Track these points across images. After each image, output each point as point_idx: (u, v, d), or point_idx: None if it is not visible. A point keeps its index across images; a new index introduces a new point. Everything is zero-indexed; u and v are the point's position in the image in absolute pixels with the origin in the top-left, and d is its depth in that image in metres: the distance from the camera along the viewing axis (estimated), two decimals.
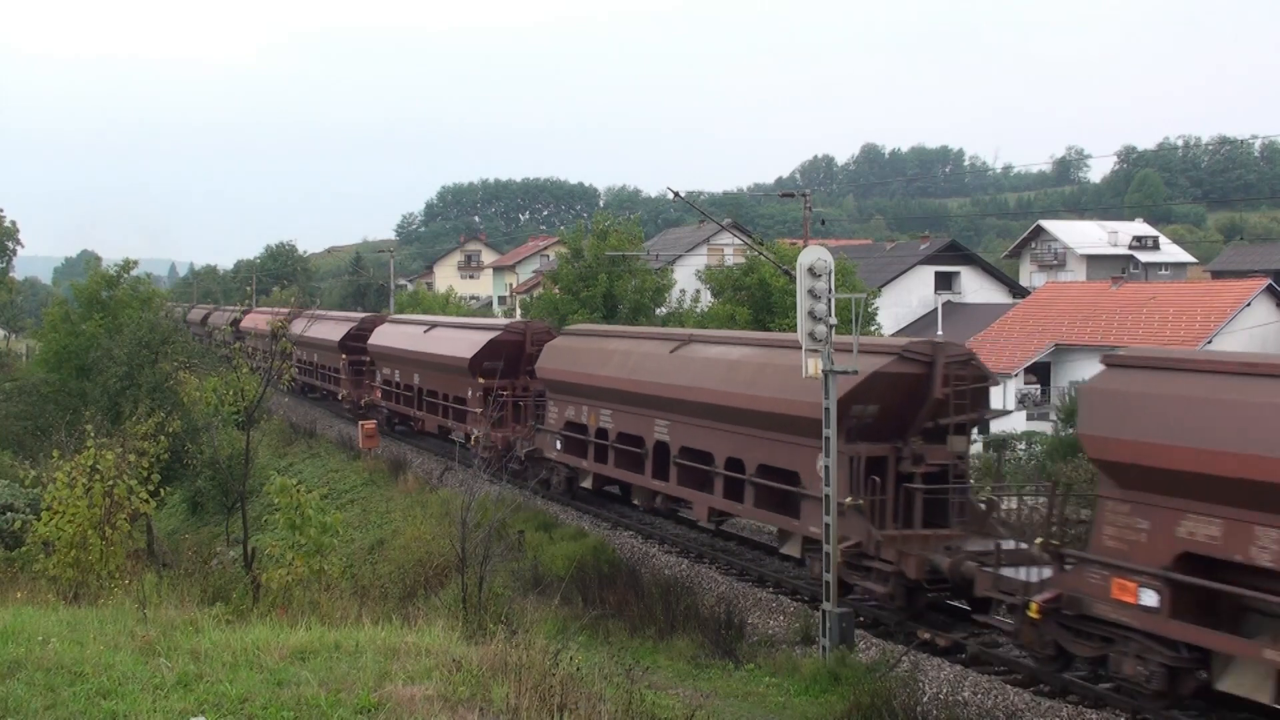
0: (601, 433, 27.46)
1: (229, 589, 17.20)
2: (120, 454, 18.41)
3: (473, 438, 34.12)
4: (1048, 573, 15.69)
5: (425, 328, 41.30)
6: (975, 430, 21.23)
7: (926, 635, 17.91)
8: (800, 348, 19.36)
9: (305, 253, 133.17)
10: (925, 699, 15.15)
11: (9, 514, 23.75)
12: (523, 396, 32.93)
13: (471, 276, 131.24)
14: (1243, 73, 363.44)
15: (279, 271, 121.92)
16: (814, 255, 17.67)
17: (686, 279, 60.48)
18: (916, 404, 18.95)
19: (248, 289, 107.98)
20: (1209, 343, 46.46)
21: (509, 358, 33.66)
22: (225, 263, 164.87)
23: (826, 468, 17.96)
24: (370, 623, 12.95)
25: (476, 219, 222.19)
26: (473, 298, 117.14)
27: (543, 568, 23.86)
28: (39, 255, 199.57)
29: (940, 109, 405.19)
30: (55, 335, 47.33)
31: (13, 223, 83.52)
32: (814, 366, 17.64)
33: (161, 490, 20.61)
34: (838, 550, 18.03)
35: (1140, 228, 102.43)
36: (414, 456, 40.29)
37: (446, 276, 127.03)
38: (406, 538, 26.75)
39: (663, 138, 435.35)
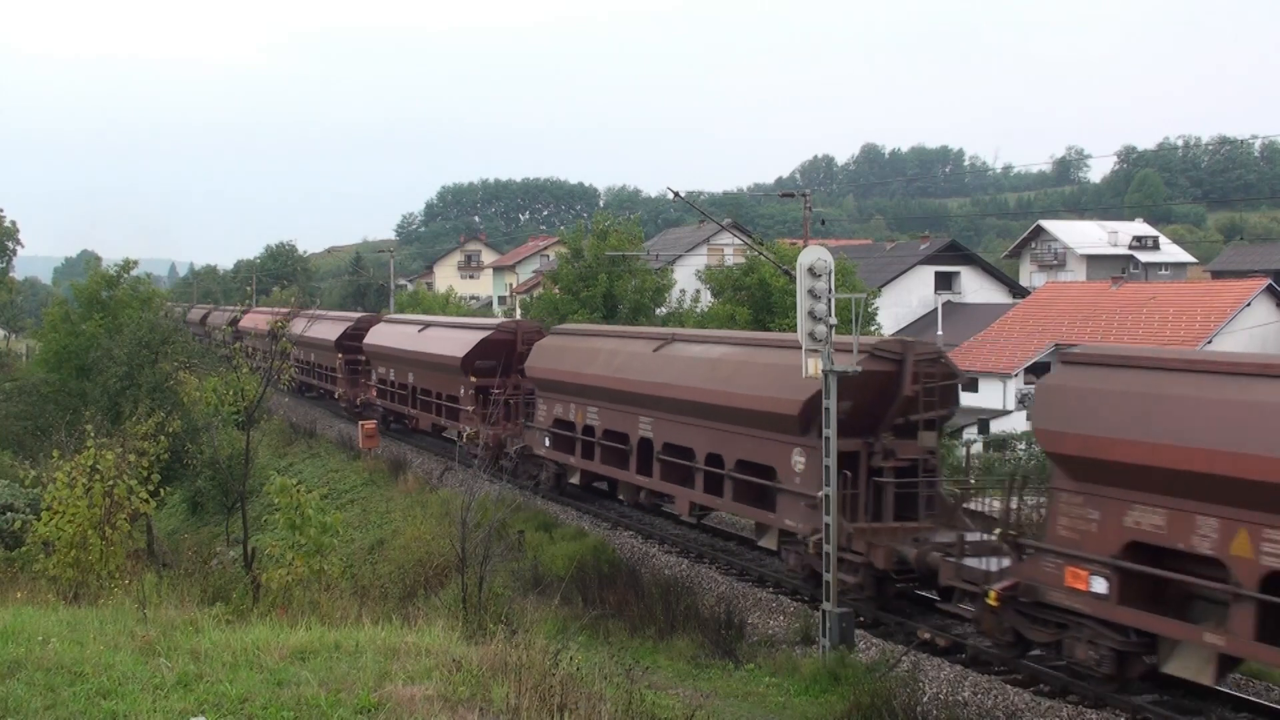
0: (588, 430, 27.96)
1: (229, 589, 17.20)
2: (120, 454, 18.39)
3: (465, 435, 34.71)
4: (1007, 562, 16.22)
5: (419, 327, 41.85)
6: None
7: (926, 635, 17.93)
8: (776, 346, 20.36)
9: (305, 253, 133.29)
10: (925, 699, 15.15)
11: (9, 514, 23.75)
12: (514, 395, 33.39)
13: (471, 276, 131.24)
14: (1243, 73, 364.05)
15: (279, 271, 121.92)
16: (814, 255, 17.67)
17: (686, 279, 60.48)
18: (887, 401, 19.43)
19: (248, 289, 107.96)
20: (1209, 343, 46.48)
21: (501, 357, 34.24)
22: (225, 263, 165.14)
23: (827, 467, 18.03)
24: (370, 623, 12.94)
25: (476, 219, 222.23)
26: (473, 298, 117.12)
27: (543, 568, 23.86)
28: (39, 255, 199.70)
29: (940, 109, 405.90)
30: (55, 335, 47.31)
31: (13, 223, 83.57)
32: (814, 366, 17.65)
33: (161, 490, 20.58)
34: (836, 545, 18.07)
35: (1140, 228, 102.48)
36: (414, 456, 40.31)
37: (446, 276, 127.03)
38: (406, 538, 26.75)
39: (663, 138, 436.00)
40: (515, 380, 33.43)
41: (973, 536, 17.65)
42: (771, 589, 22.01)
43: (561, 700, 9.47)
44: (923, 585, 19.43)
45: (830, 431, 17.94)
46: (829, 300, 17.46)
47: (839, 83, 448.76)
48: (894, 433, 19.57)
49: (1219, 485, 12.89)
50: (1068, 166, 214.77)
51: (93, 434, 18.62)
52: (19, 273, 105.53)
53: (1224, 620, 13.26)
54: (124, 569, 17.77)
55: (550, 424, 29.80)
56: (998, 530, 16.55)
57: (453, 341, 36.65)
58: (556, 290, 51.35)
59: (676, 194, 27.34)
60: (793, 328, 22.08)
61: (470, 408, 34.81)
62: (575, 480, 29.52)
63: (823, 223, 53.42)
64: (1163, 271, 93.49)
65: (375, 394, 45.43)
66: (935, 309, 64.38)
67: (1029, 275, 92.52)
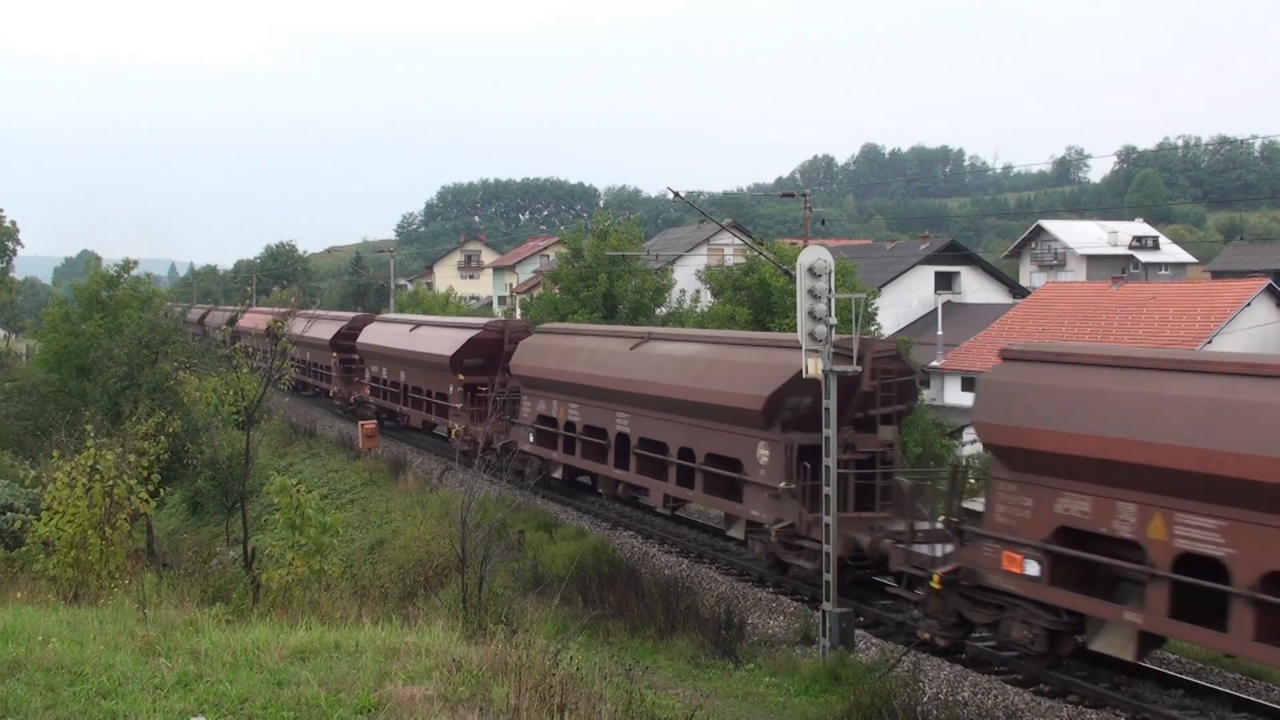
0: (570, 425, 28.94)
1: (229, 589, 17.20)
2: (120, 454, 18.37)
3: (453, 432, 35.76)
4: (951, 548, 17.09)
5: (411, 327, 42.87)
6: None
7: (926, 635, 17.95)
8: (743, 345, 21.88)
9: (305, 253, 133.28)
10: (925, 699, 15.16)
11: (9, 514, 23.73)
12: (502, 392, 34.00)
13: (471, 276, 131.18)
14: (1243, 73, 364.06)
15: (279, 271, 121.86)
16: (814, 255, 17.71)
17: (686, 279, 60.43)
18: (847, 396, 19.92)
19: (248, 289, 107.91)
20: (1209, 343, 46.41)
21: (488, 355, 35.24)
22: (225, 263, 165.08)
23: (827, 467, 18.11)
24: (370, 623, 12.93)
25: (476, 219, 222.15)
26: (473, 298, 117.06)
27: (543, 568, 23.86)
28: (39, 255, 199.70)
29: (940, 109, 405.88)
30: (55, 335, 47.27)
31: (13, 223, 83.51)
32: (814, 366, 17.70)
33: (161, 490, 20.57)
34: (835, 546, 18.08)
35: (1140, 228, 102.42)
36: (414, 456, 40.33)
37: (446, 276, 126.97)
38: (406, 538, 26.75)
39: (663, 138, 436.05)
40: (503, 378, 34.12)
41: (922, 525, 18.45)
42: (771, 589, 22.03)
43: (561, 700, 9.47)
44: (878, 571, 20.26)
45: (830, 431, 18.00)
46: (829, 300, 17.49)
47: (839, 83, 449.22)
48: (854, 427, 20.25)
49: (1136, 473, 13.77)
50: (1068, 166, 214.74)
51: (93, 434, 18.60)
52: (19, 273, 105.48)
53: (1142, 599, 14.06)
54: (124, 569, 17.76)
55: (534, 420, 30.68)
56: (941, 518, 17.45)
57: (442, 340, 37.59)
58: (556, 290, 51.32)
59: (676, 194, 27.42)
60: (792, 327, 22.27)
61: (459, 405, 35.72)
62: (558, 475, 30.21)
63: (823, 223, 53.40)
64: (1163, 271, 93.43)
65: (369, 392, 46.39)
66: (935, 309, 64.29)
67: (1029, 275, 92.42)
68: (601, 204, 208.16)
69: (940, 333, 56.94)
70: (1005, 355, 16.93)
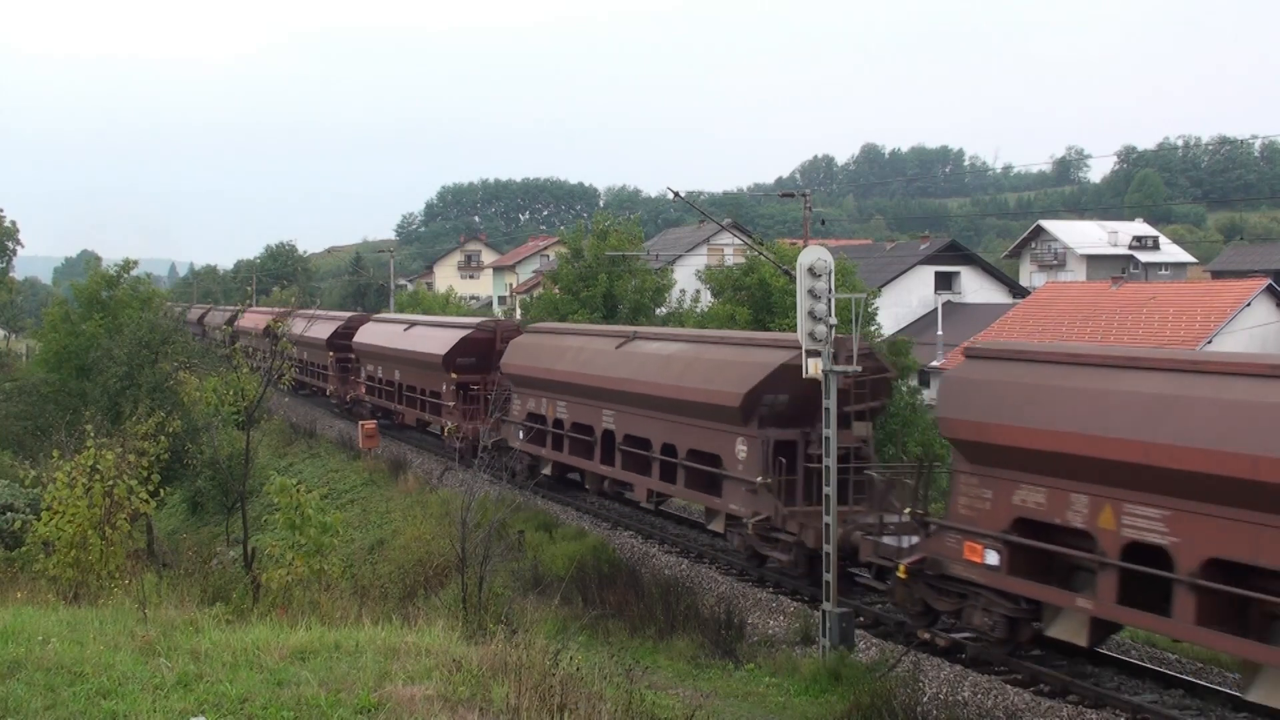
0: (558, 423, 29.56)
1: (229, 589, 17.20)
2: (120, 454, 18.36)
3: (446, 430, 36.44)
4: (917, 539, 17.67)
5: (405, 326, 43.51)
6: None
7: (926, 635, 17.96)
8: (722, 343, 22.78)
9: (305, 253, 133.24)
10: (925, 699, 15.17)
11: (9, 514, 23.71)
12: (494, 391, 34.37)
13: (471, 276, 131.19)
14: (1243, 73, 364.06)
15: (279, 271, 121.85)
16: (814, 255, 17.72)
17: (686, 279, 60.43)
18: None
19: (248, 289, 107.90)
20: (1209, 343, 46.41)
21: (481, 354, 35.88)
22: (225, 263, 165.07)
23: (826, 467, 18.12)
24: (370, 623, 12.93)
25: (476, 219, 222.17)
26: (473, 298, 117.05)
27: (543, 568, 23.86)
28: (39, 255, 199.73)
29: (940, 109, 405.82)
30: (55, 335, 47.25)
31: (13, 223, 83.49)
32: (814, 367, 17.73)
33: (161, 490, 20.55)
34: (836, 548, 18.09)
35: (1140, 228, 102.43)
36: (414, 456, 40.34)
37: (446, 276, 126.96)
38: (406, 538, 26.76)
39: (663, 138, 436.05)
40: (495, 377, 34.53)
41: (891, 518, 18.92)
42: (771, 589, 22.05)
43: (561, 700, 9.46)
44: (850, 563, 20.49)
45: (830, 431, 18.00)
46: (829, 300, 17.50)
47: (839, 83, 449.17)
48: None
49: (1088, 465, 14.37)
50: (1068, 166, 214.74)
51: (93, 434, 18.58)
52: (19, 273, 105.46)
53: (1094, 587, 14.60)
54: (124, 569, 17.74)
55: (524, 418, 31.19)
56: (907, 510, 18.00)
57: (435, 340, 38.21)
58: (556, 290, 51.34)
59: (676, 194, 27.40)
60: (792, 327, 22.42)
61: (452, 403, 36.35)
62: (548, 471, 30.61)
63: (823, 223, 53.40)
64: (1163, 271, 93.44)
65: (364, 391, 46.98)
66: (935, 309, 64.31)
67: (1029, 275, 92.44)
68: (601, 204, 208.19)
69: (940, 332, 56.95)
70: (968, 353, 17.60)
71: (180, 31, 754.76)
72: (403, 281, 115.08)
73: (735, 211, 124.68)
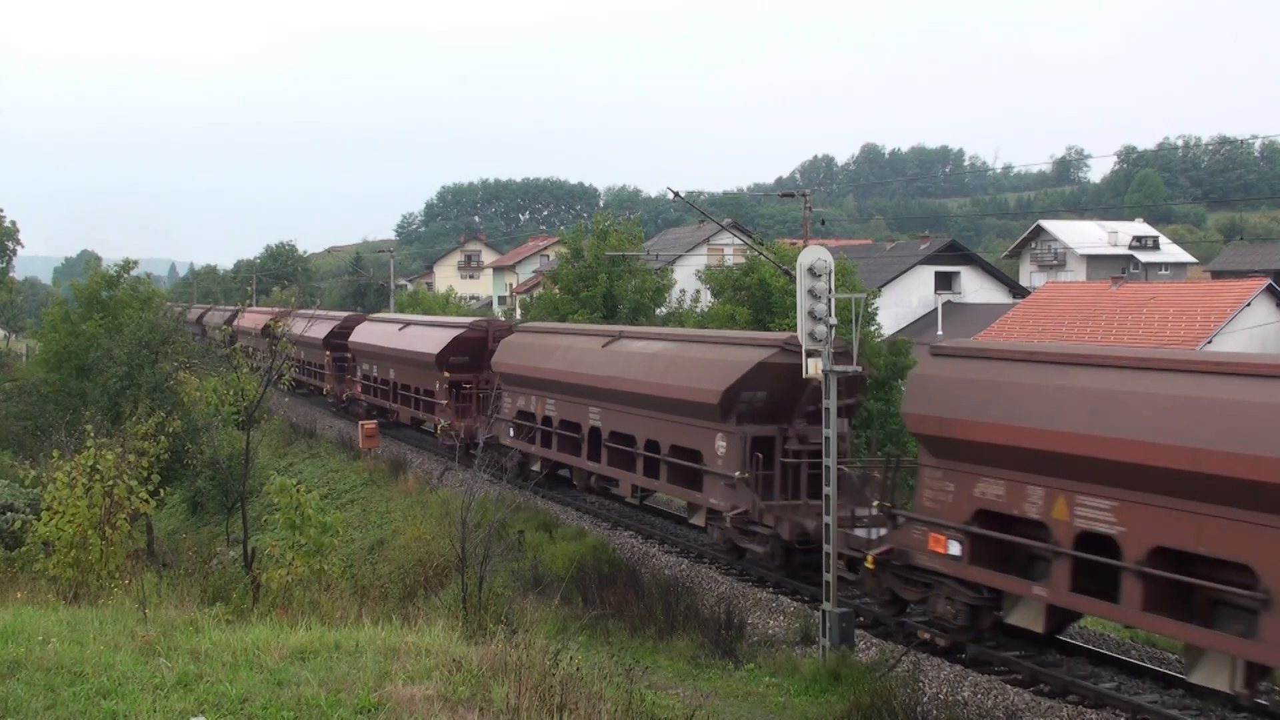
0: (547, 420, 30.07)
1: (229, 589, 17.20)
2: (120, 454, 18.36)
3: (439, 428, 37.11)
4: (885, 531, 18.37)
5: (400, 326, 44.04)
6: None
7: (926, 635, 17.97)
8: (704, 342, 23.52)
9: (305, 253, 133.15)
10: (925, 699, 15.17)
11: (9, 514, 23.71)
12: (486, 389, 35.03)
13: (471, 276, 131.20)
14: (1243, 73, 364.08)
15: (279, 271, 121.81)
16: (814, 255, 17.73)
17: (686, 279, 60.40)
18: (799, 390, 21.19)
19: (248, 289, 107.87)
20: (1209, 343, 46.40)
21: (473, 353, 36.42)
22: (225, 263, 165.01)
23: (826, 467, 18.14)
24: (370, 623, 12.93)
25: (476, 219, 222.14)
26: (473, 298, 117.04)
27: (543, 568, 23.86)
28: (39, 255, 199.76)
29: (940, 109, 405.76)
30: (55, 335, 47.23)
31: (13, 223, 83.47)
32: (814, 367, 17.75)
33: (161, 490, 20.55)
34: (836, 549, 18.10)
35: (1140, 228, 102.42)
36: (414, 456, 40.36)
37: (446, 276, 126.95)
38: (406, 538, 26.77)
39: (663, 138, 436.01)
40: (487, 375, 34.97)
41: (863, 511, 19.43)
42: (771, 589, 22.05)
43: (561, 700, 9.47)
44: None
45: (830, 431, 18.00)
46: (829, 300, 17.51)
47: (839, 83, 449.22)
48: (806, 419, 21.48)
49: (1043, 459, 14.95)
50: (1068, 166, 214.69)
51: (93, 434, 18.58)
52: (19, 273, 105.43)
53: (1049, 576, 15.16)
54: (124, 569, 17.75)
55: (514, 415, 31.77)
56: (875, 503, 18.73)
57: (428, 339, 38.82)
58: (556, 290, 51.30)
59: (676, 194, 27.42)
60: (792, 327, 22.50)
61: (445, 402, 36.95)
62: (537, 468, 30.99)
63: (823, 223, 53.39)
64: (1163, 271, 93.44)
65: (360, 390, 47.45)
66: (935, 309, 64.34)
67: (1029, 275, 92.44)
68: (601, 204, 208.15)
69: (940, 333, 56.96)
70: (933, 352, 18.26)
71: (180, 31, 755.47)
72: (403, 281, 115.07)
73: (735, 211, 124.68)
